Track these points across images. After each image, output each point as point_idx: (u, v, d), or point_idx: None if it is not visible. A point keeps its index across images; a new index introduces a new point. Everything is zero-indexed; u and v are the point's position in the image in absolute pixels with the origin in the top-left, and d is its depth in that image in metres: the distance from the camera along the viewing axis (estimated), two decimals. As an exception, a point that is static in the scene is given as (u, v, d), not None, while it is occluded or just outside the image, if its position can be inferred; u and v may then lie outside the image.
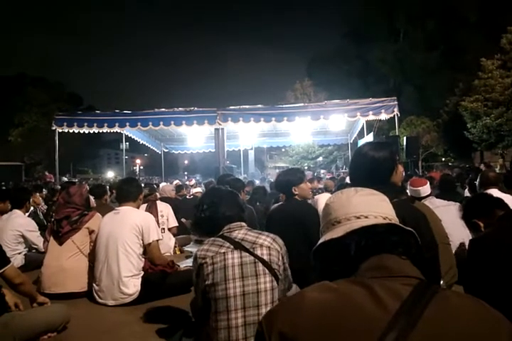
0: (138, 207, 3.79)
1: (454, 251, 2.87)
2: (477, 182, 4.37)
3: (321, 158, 29.98)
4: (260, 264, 2.06)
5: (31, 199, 5.18)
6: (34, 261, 4.42)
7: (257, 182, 12.14)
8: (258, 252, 2.09)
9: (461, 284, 1.99)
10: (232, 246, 2.10)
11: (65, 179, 18.06)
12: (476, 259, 1.97)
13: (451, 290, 0.92)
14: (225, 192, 2.39)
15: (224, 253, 2.08)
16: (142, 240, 3.45)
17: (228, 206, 2.27)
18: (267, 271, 2.06)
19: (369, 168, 1.88)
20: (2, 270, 2.42)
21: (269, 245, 2.13)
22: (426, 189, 4.05)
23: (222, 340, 1.98)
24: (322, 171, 17.99)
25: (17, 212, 4.72)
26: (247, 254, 2.08)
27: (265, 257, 2.09)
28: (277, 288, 2.10)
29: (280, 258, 2.14)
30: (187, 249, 5.75)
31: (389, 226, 0.98)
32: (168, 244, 5.22)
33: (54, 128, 12.44)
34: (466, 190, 6.35)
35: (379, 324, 0.77)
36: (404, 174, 2.12)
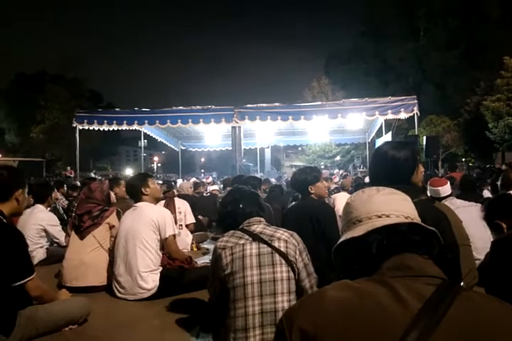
0: (155, 201, 3.81)
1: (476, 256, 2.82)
2: (499, 184, 4.30)
3: (338, 158, 29.75)
4: (277, 255, 2.14)
5: (52, 195, 5.29)
6: (55, 254, 4.53)
7: (273, 180, 12.15)
8: (275, 244, 2.17)
9: (481, 286, 1.96)
10: (250, 238, 2.19)
11: (92, 175, 18.44)
12: (498, 260, 1.94)
13: (474, 291, 0.92)
14: (247, 191, 2.52)
15: (243, 244, 2.16)
16: (160, 235, 3.49)
17: (248, 203, 2.37)
18: (283, 262, 2.13)
19: (389, 168, 1.87)
20: (24, 281, 2.37)
21: (286, 239, 2.20)
22: (446, 189, 3.99)
23: (240, 328, 2.03)
24: (336, 171, 17.85)
25: (39, 206, 4.83)
26: (265, 245, 2.16)
27: (282, 249, 2.16)
28: (294, 279, 2.15)
29: (298, 252, 2.20)
30: (204, 245, 5.80)
31: (411, 225, 0.98)
32: (185, 241, 5.27)
33: (75, 125, 12.68)
34: (486, 191, 6.25)
35: (401, 323, 0.77)
36: (423, 174, 2.11)
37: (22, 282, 2.37)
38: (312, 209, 3.29)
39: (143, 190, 3.64)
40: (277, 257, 2.14)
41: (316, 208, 3.33)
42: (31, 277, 2.42)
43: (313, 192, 3.38)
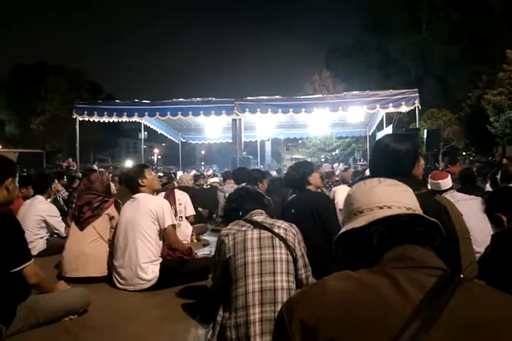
0: (153, 192, 3.80)
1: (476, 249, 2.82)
2: (498, 177, 4.30)
3: (337, 151, 29.71)
4: (277, 239, 2.26)
5: (53, 186, 5.28)
6: (55, 245, 4.53)
7: (274, 173, 12.15)
8: (275, 230, 2.30)
9: (481, 279, 1.96)
10: (252, 226, 2.33)
11: (95, 166, 18.45)
12: (498, 253, 1.94)
13: (475, 282, 0.92)
14: (252, 191, 2.68)
15: (245, 230, 2.30)
16: (159, 225, 3.49)
17: (253, 201, 2.53)
18: (283, 245, 2.26)
19: (390, 161, 1.86)
20: (22, 266, 2.38)
21: (286, 227, 2.34)
22: (447, 182, 3.99)
23: (240, 306, 2.12)
24: (335, 165, 17.79)
25: (39, 197, 4.82)
26: (266, 231, 2.29)
27: (282, 235, 2.29)
28: (292, 262, 2.26)
29: (296, 241, 2.33)
30: (204, 237, 5.81)
31: (413, 216, 0.97)
32: (185, 233, 5.28)
33: (75, 116, 12.64)
34: (488, 185, 6.24)
35: (402, 313, 0.77)
36: (424, 167, 2.10)
37: (20, 268, 2.37)
38: (312, 202, 3.32)
39: (140, 181, 3.64)
40: (277, 241, 2.26)
41: (316, 201, 3.36)
42: (29, 263, 2.42)
43: (312, 182, 3.44)
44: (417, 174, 1.95)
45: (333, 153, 29.36)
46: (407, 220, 0.96)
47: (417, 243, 0.93)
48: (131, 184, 3.70)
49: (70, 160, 18.39)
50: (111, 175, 7.48)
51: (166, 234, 3.55)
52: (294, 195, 3.67)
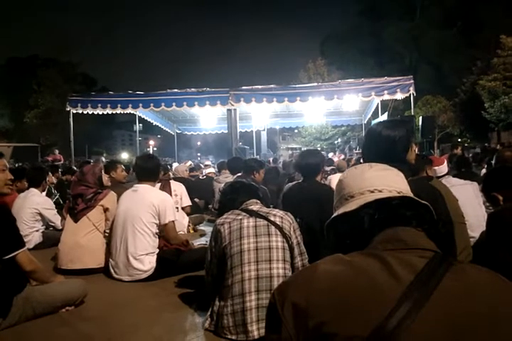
0: (154, 185, 3.80)
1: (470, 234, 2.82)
2: (493, 162, 4.31)
3: (339, 140, 29.63)
4: (273, 227, 2.29)
5: (47, 179, 5.26)
6: (51, 238, 4.53)
7: (270, 159, 12.18)
8: (271, 218, 2.33)
9: (475, 263, 1.97)
10: (247, 215, 2.36)
11: (103, 159, 18.24)
12: (494, 233, 1.95)
13: (467, 263, 0.91)
14: (247, 183, 2.70)
15: (240, 219, 2.33)
16: (159, 220, 3.47)
17: (247, 194, 2.56)
18: (278, 233, 2.28)
19: (384, 147, 1.86)
20: (15, 253, 2.38)
21: (281, 216, 2.36)
22: (442, 168, 3.99)
23: (237, 294, 2.15)
24: (331, 154, 17.75)
25: (34, 190, 4.80)
26: (261, 219, 2.32)
27: (278, 223, 2.31)
28: (288, 250, 2.28)
29: (292, 229, 2.34)
30: (201, 227, 5.82)
31: (404, 199, 0.97)
32: (182, 223, 5.28)
33: (68, 109, 12.51)
34: (484, 170, 6.27)
35: (392, 295, 0.77)
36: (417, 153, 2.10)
37: (12, 255, 2.37)
38: (319, 192, 3.22)
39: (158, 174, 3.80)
40: (273, 228, 2.28)
41: (323, 191, 3.25)
42: (22, 250, 2.42)
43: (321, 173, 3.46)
44: (410, 159, 1.95)
45: (335, 142, 29.34)
46: (397, 203, 0.96)
47: (408, 225, 0.93)
48: (150, 174, 3.70)
49: (56, 152, 17.95)
50: (105, 167, 7.45)
51: (165, 230, 3.54)
52: (295, 183, 3.54)
